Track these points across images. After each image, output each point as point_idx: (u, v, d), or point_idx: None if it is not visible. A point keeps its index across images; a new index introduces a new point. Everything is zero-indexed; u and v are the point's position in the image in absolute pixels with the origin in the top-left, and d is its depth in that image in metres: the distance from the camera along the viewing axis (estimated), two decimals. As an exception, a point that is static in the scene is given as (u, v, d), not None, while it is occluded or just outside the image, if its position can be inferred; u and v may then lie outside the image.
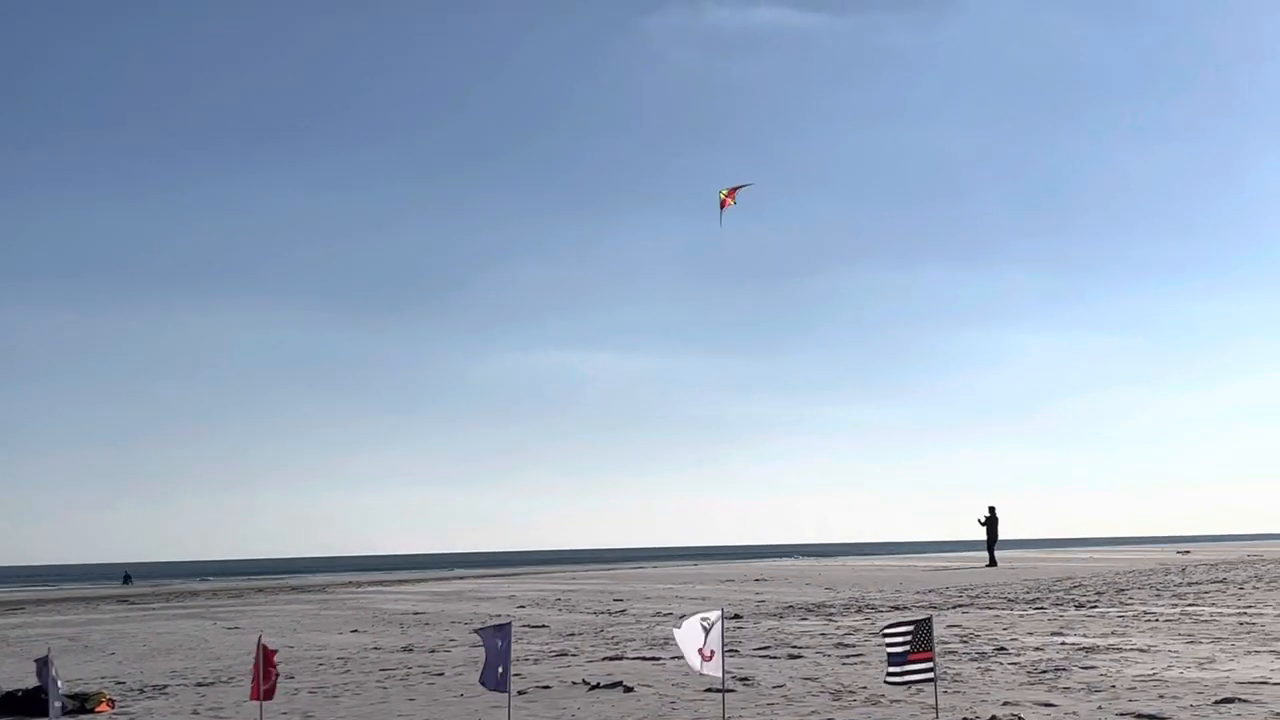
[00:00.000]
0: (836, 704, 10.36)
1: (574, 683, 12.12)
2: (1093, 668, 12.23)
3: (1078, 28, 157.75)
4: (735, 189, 24.56)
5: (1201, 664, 12.32)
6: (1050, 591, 25.83)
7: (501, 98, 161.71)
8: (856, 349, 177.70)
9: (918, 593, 26.66)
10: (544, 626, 19.70)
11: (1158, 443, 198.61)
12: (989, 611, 20.37)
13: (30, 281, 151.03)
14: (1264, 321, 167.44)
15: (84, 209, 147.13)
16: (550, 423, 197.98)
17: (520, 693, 11.26)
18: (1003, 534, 41.83)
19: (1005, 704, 10.00)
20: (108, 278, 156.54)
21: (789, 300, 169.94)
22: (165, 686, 12.99)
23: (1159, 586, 26.83)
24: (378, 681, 12.86)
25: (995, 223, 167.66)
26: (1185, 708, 9.61)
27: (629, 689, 11.52)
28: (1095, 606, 20.83)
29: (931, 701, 9.82)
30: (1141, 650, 13.72)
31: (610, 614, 22.38)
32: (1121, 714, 9.45)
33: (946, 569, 40.67)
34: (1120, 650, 13.76)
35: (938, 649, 11.65)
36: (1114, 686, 10.87)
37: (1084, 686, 10.92)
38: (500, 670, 9.24)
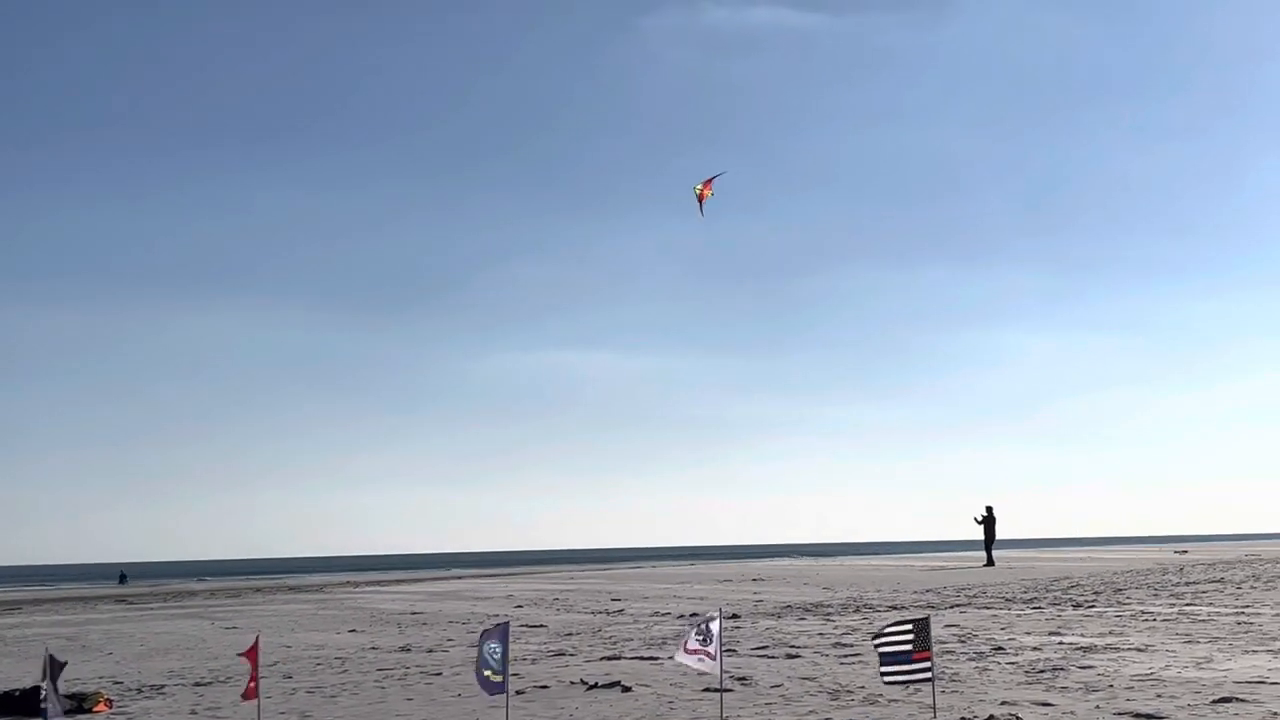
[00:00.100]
0: (834, 703, 10.37)
1: (572, 682, 12.12)
2: (1090, 667, 12.24)
3: (1077, 28, 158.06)
4: (709, 180, 24.54)
5: (1199, 663, 12.33)
6: (1048, 591, 25.84)
7: (501, 97, 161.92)
8: (856, 349, 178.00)
9: (915, 592, 26.67)
10: (542, 626, 19.70)
11: (1157, 443, 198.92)
12: (987, 611, 20.38)
13: (30, 281, 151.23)
14: (1263, 321, 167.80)
15: (84, 209, 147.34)
16: (550, 423, 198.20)
17: (518, 692, 11.26)
18: (1000, 534, 41.86)
19: (1003, 703, 10.00)
20: (108, 278, 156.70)
21: (789, 300, 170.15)
22: (163, 686, 12.98)
23: (1156, 586, 26.84)
24: (375, 681, 12.85)
25: (995, 223, 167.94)
26: (1183, 707, 9.62)
27: (627, 689, 11.51)
28: (1093, 606, 20.84)
29: (929, 701, 9.83)
30: (1139, 650, 13.72)
31: (608, 614, 22.38)
32: (1119, 713, 9.45)
33: (944, 569, 40.69)
34: (1118, 650, 13.77)
35: (936, 649, 11.65)
36: (1111, 686, 10.87)
37: (1081, 686, 10.93)
38: (488, 671, 9.24)
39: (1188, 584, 27.39)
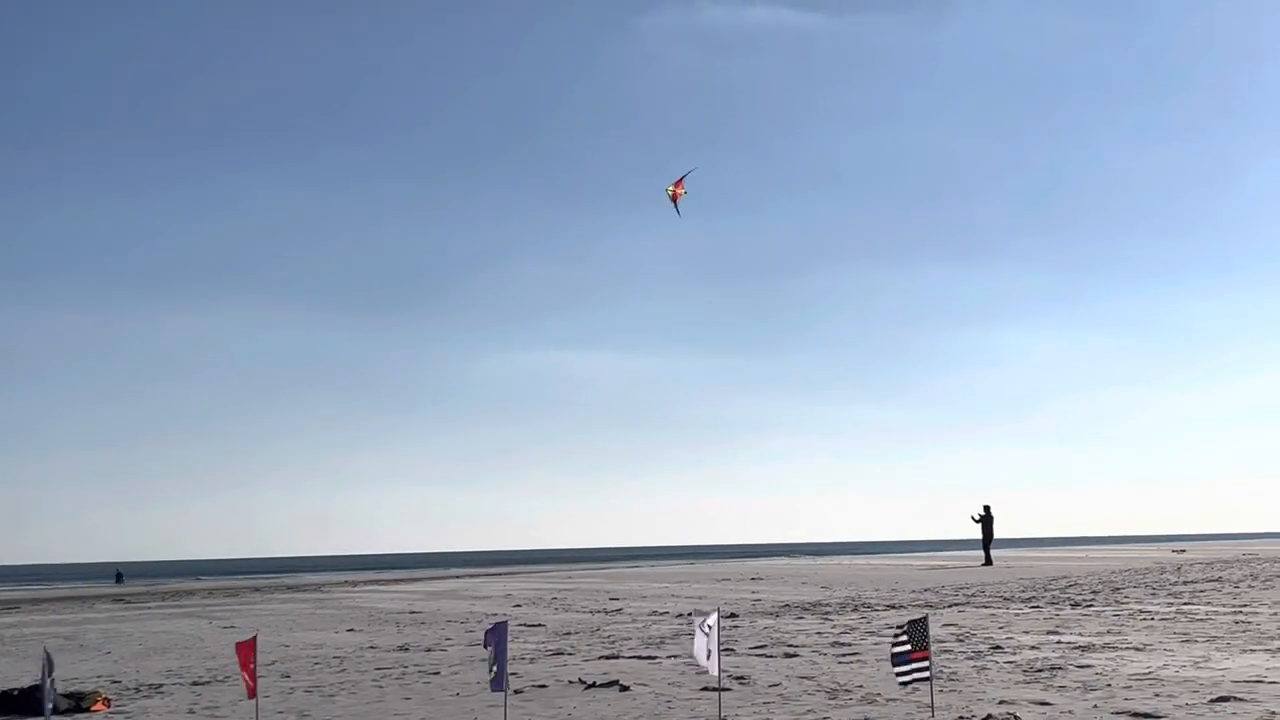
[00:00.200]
0: (832, 702, 10.37)
1: (570, 681, 12.12)
2: (1088, 666, 12.24)
3: (1077, 27, 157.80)
4: (680, 179, 24.55)
5: (1197, 662, 12.34)
6: (1046, 590, 25.85)
7: (499, 97, 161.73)
8: (856, 349, 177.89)
9: (913, 591, 26.68)
10: (540, 625, 19.70)
11: (1155, 442, 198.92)
12: (985, 610, 20.39)
13: (30, 281, 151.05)
14: (1263, 321, 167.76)
15: (84, 209, 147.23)
16: (549, 422, 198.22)
17: (517, 691, 11.26)
18: (998, 533, 41.86)
19: (1001, 702, 10.00)
20: (108, 278, 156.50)
21: (789, 300, 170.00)
22: (161, 685, 12.98)
23: (1154, 585, 26.86)
24: (374, 680, 12.85)
25: (995, 222, 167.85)
26: (1180, 706, 9.63)
27: (625, 688, 11.51)
28: (1091, 605, 20.85)
29: (928, 700, 9.83)
30: (1137, 649, 13.73)
31: (606, 613, 22.38)
32: (1117, 712, 9.46)
33: (942, 568, 40.71)
34: (1116, 649, 13.77)
35: (934, 648, 11.66)
36: (1109, 685, 10.88)
37: (1079, 685, 10.93)
38: (492, 669, 9.27)
39: (1185, 583, 27.42)
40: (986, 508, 41.09)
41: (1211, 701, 9.78)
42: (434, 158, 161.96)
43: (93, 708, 11.22)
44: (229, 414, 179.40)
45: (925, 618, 9.77)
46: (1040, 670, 12.01)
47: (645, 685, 11.70)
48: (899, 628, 9.62)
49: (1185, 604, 20.61)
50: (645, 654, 14.54)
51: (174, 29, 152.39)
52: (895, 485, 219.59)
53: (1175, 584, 27.19)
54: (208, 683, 13.07)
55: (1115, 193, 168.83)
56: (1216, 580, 28.22)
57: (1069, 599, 22.73)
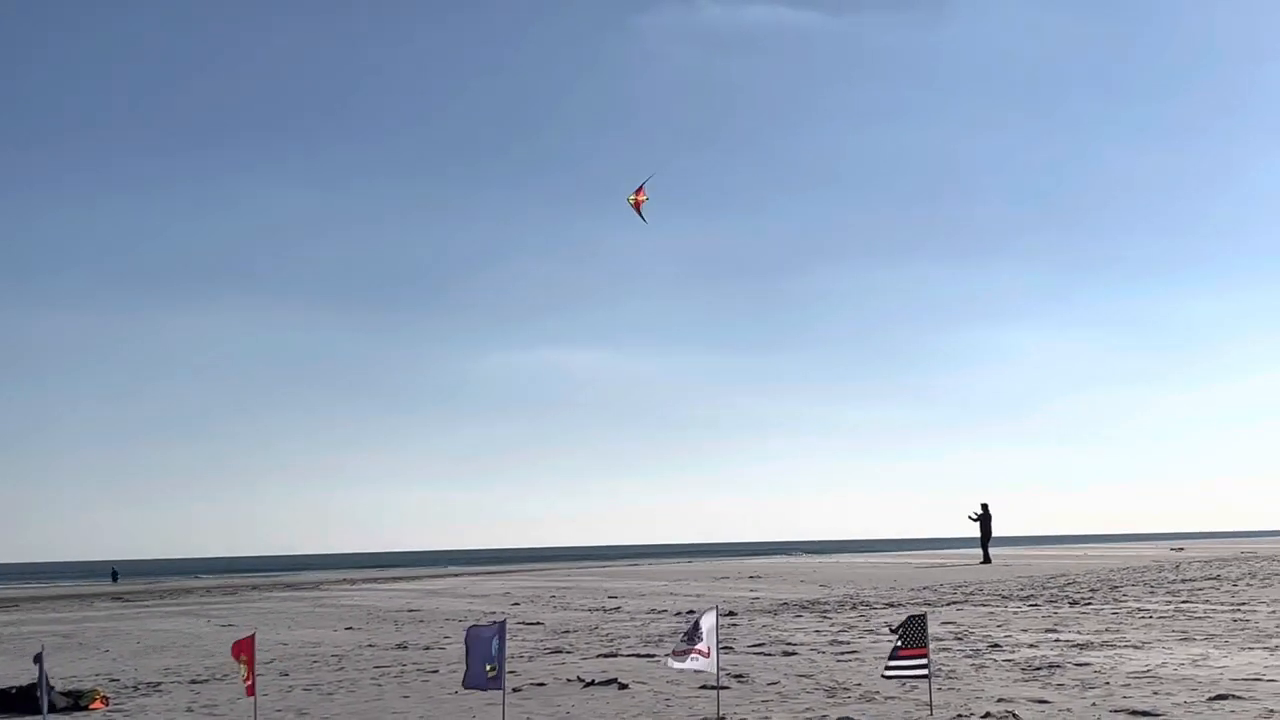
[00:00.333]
0: (831, 701, 10.37)
1: (569, 680, 12.12)
2: (1087, 664, 12.24)
3: (1077, 27, 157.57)
4: (640, 187, 24.53)
5: (1195, 661, 12.34)
6: (1044, 588, 25.86)
7: (498, 97, 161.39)
8: (855, 348, 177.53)
9: (912, 590, 26.68)
10: (539, 624, 19.70)
11: (1155, 442, 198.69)
12: (983, 608, 20.39)
13: (30, 281, 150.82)
14: (1262, 321, 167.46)
15: (83, 209, 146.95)
16: (549, 422, 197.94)
17: (515, 690, 11.26)
18: (997, 531, 41.85)
19: (999, 700, 10.01)
20: (108, 278, 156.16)
21: (788, 299, 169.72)
22: (159, 684, 12.98)
23: (1153, 583, 26.87)
24: (372, 679, 12.85)
25: (994, 222, 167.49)
26: (1179, 704, 9.63)
27: (624, 686, 11.51)
28: (1089, 603, 20.86)
29: (926, 698, 9.84)
30: (1135, 647, 13.74)
31: (605, 611, 22.38)
32: (1115, 710, 9.46)
33: (941, 566, 40.72)
34: (1114, 647, 13.78)
35: (932, 646, 11.66)
36: (1108, 683, 10.88)
37: (1078, 683, 10.93)
38: (489, 667, 9.25)
39: (1184, 581, 27.43)
40: (984, 506, 41.08)
41: (1210, 699, 9.79)
42: (434, 157, 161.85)
43: (91, 706, 11.22)
44: (229, 414, 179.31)
45: (924, 615, 9.77)
46: (1039, 668, 12.01)
47: (644, 684, 11.70)
48: (893, 629, 9.63)
49: (1184, 602, 20.62)
50: (644, 652, 14.54)
51: (174, 29, 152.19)
52: (894, 485, 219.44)
53: (1174, 582, 27.20)
54: (206, 681, 13.07)
55: (1115, 193, 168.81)
56: (1215, 578, 28.23)
57: (1067, 597, 22.74)
